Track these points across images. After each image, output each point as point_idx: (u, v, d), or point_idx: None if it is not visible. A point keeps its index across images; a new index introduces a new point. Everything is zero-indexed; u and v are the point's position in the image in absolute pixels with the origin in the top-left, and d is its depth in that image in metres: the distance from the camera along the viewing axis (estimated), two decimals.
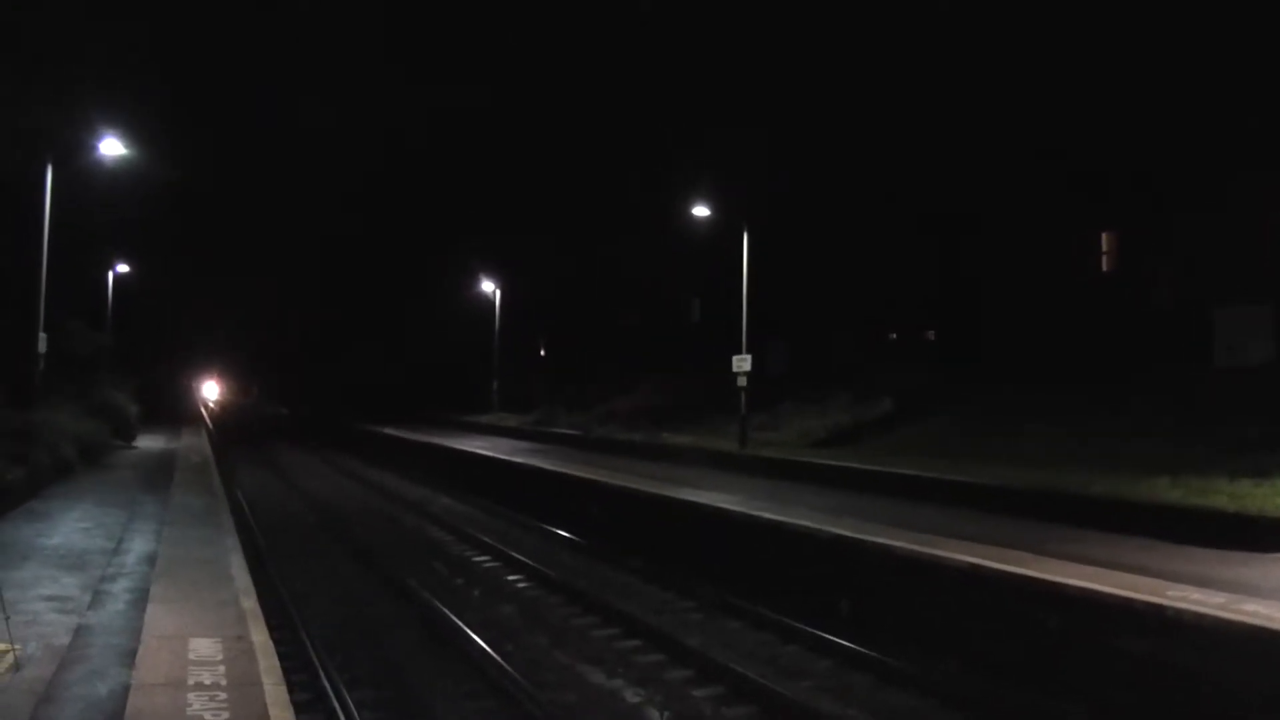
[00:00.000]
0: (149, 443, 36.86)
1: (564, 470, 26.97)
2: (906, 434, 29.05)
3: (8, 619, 7.88)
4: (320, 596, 16.03)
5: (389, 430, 49.82)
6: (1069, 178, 30.48)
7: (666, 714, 10.72)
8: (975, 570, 12.50)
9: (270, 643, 9.08)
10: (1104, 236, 31.58)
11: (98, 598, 10.66)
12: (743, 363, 31.48)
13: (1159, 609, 10.26)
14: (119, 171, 31.40)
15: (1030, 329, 31.52)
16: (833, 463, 25.18)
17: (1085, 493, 17.54)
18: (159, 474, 25.60)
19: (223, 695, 7.41)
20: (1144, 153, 28.24)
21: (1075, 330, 29.90)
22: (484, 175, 69.61)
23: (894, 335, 41.07)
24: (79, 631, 9.19)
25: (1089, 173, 29.92)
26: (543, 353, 70.22)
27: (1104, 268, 31.57)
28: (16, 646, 8.20)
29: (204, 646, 8.72)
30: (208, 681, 7.72)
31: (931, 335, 39.12)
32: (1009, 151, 31.96)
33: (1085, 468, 20.05)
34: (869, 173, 37.33)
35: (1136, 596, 10.62)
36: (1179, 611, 10.09)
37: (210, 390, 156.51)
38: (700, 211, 35.70)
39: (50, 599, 10.48)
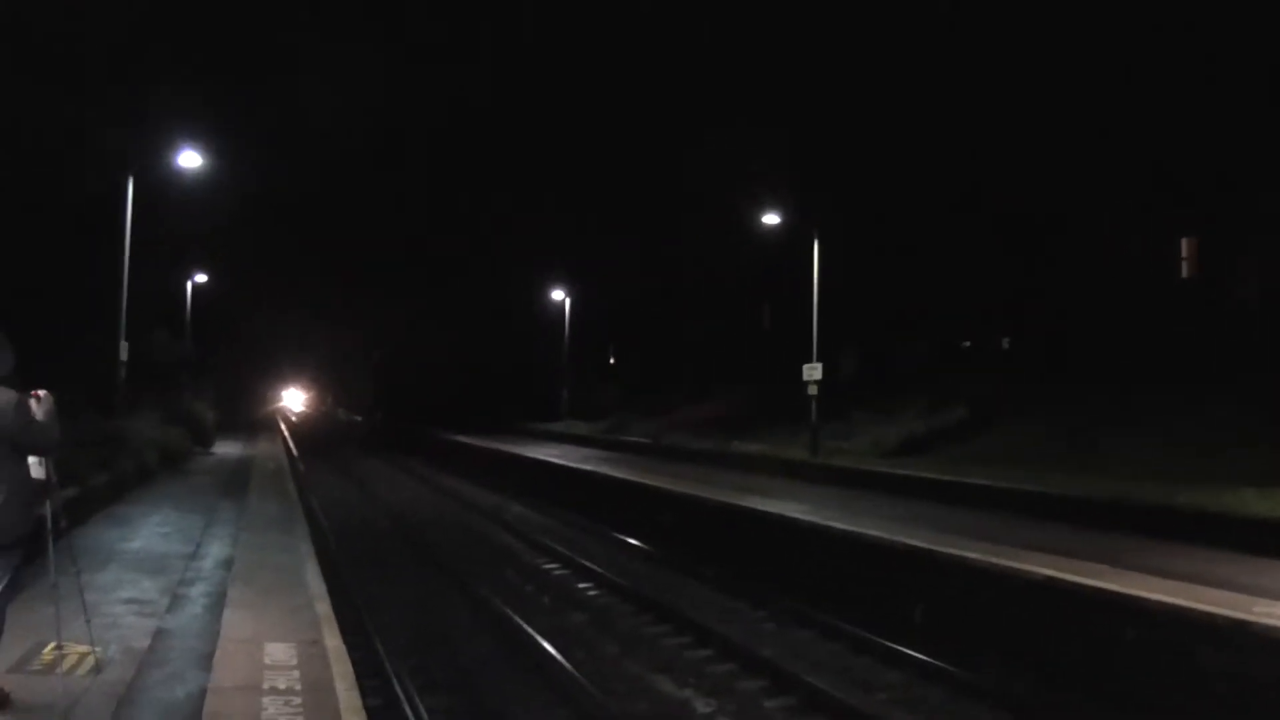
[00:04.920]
0: (226, 449, 37.58)
1: (634, 478, 26.95)
2: (981, 443, 28.65)
3: (89, 622, 8.01)
4: (393, 602, 16.14)
5: (460, 438, 50.22)
6: (1148, 183, 29.92)
7: None
8: (1052, 583, 12.26)
9: (343, 648, 9.14)
10: (1184, 242, 30.97)
11: (176, 601, 10.84)
12: (814, 371, 31.29)
13: (1243, 625, 9.99)
14: (199, 182, 32.15)
15: (1109, 336, 30.97)
16: (905, 472, 24.91)
17: (1165, 503, 17.14)
18: (235, 480, 26.05)
19: (297, 700, 7.46)
20: (1222, 156, 27.63)
21: (1155, 337, 29.32)
22: (557, 181, 70.18)
23: (968, 343, 40.57)
24: (158, 635, 9.33)
25: (1168, 177, 29.35)
26: (612, 361, 70.41)
27: (1184, 274, 30.95)
28: (97, 649, 8.34)
29: (279, 651, 8.80)
30: (282, 686, 7.79)
31: (1006, 343, 38.55)
32: (1085, 157, 31.42)
33: (1165, 477, 19.59)
34: (943, 176, 36.97)
35: (1220, 612, 10.33)
36: (1265, 628, 9.82)
37: (289, 398, 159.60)
38: (770, 219, 35.59)
39: (130, 602, 10.67)
